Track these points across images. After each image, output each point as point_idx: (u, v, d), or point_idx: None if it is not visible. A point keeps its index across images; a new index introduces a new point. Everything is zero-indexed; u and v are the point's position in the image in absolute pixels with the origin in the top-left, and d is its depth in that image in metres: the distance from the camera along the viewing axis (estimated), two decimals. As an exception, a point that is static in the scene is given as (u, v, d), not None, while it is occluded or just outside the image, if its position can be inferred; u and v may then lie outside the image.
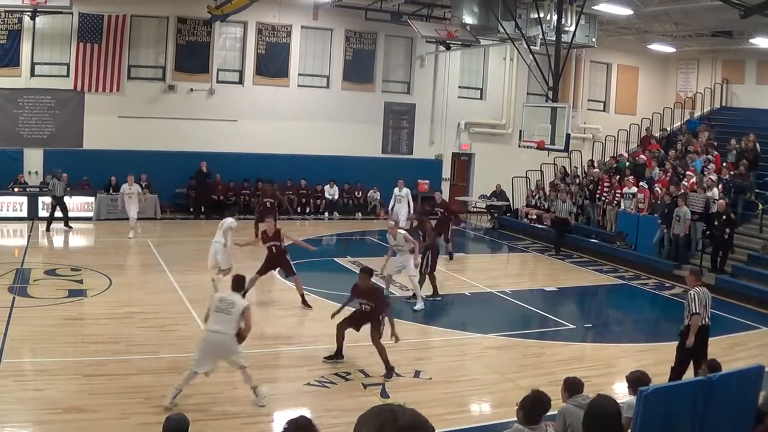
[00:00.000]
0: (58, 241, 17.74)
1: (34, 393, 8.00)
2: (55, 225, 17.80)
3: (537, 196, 22.61)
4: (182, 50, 21.26)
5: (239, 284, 8.59)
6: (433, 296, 13.39)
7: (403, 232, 13.14)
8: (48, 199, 18.23)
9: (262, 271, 12.39)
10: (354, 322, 9.59)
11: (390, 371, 9.17)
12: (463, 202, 24.78)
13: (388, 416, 2.09)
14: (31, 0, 17.53)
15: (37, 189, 19.37)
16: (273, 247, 12.31)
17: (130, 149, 20.48)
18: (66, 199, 18.06)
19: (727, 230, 15.52)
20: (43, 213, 18.94)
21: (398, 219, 17.35)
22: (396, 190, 19.07)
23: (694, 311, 8.83)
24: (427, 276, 13.23)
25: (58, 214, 17.83)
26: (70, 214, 18.40)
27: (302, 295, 12.38)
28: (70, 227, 17.97)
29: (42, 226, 18.20)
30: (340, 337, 9.57)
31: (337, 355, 9.65)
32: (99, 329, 10.45)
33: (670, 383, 6.21)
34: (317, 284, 14.07)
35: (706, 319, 9.03)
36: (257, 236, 15.00)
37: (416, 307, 12.60)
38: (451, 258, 17.06)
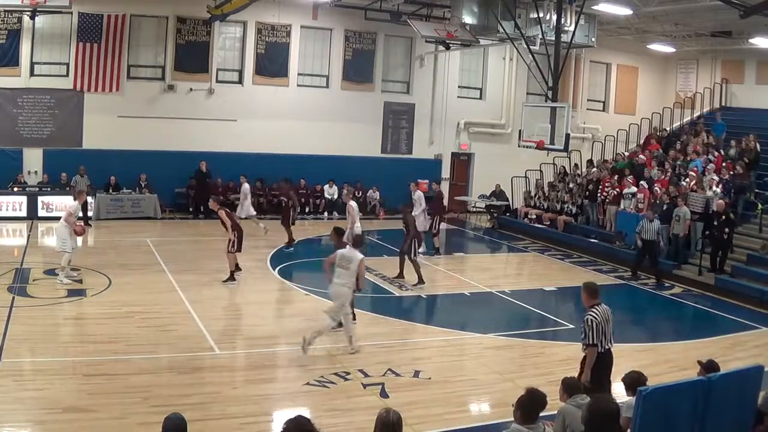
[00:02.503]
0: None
1: (33, 393, 8.00)
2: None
3: (536, 196, 22.63)
4: (182, 50, 21.26)
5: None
6: (418, 283, 14.07)
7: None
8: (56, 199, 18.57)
9: None
10: None
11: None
12: (463, 202, 24.84)
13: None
14: (31, 0, 17.52)
15: (37, 189, 19.38)
16: None
17: (130, 149, 20.50)
18: (89, 197, 18.31)
19: (727, 230, 15.52)
20: (42, 213, 18.97)
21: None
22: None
23: (591, 342, 7.22)
24: (411, 262, 14.20)
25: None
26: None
27: None
28: (90, 225, 18.06)
29: (42, 226, 18.22)
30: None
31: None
32: (98, 329, 10.45)
33: (670, 383, 6.18)
34: (317, 284, 14.08)
35: (608, 345, 7.43)
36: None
37: None
38: (438, 253, 17.52)
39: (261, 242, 17.60)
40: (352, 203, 14.82)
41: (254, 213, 18.61)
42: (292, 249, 17.22)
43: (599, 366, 7.28)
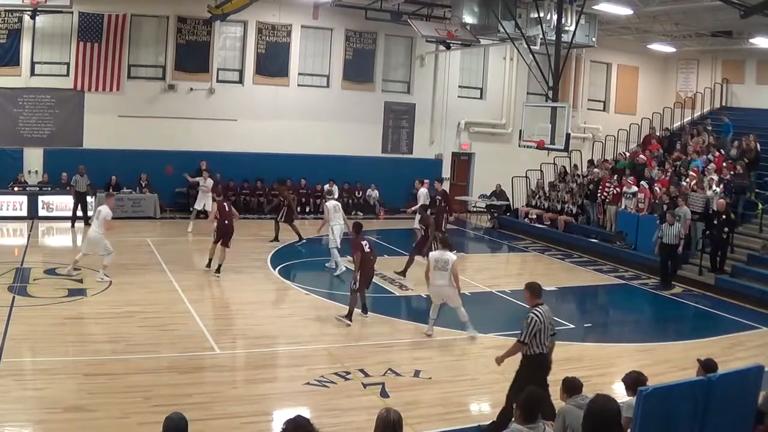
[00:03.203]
0: (60, 240, 17.76)
1: (33, 392, 8.00)
2: (78, 224, 18.21)
3: (537, 196, 22.62)
4: (182, 50, 21.26)
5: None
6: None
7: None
8: (61, 198, 18.80)
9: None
10: None
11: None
12: (463, 202, 24.82)
13: None
14: (32, 0, 17.52)
15: (37, 188, 19.38)
16: None
17: (130, 149, 20.49)
18: (88, 197, 18.53)
19: (726, 230, 15.52)
20: (43, 212, 18.98)
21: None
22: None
23: (522, 339, 7.42)
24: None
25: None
26: (71, 214, 18.47)
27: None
28: (89, 225, 18.03)
29: (42, 226, 18.23)
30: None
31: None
32: (99, 328, 10.45)
33: (670, 383, 6.18)
34: (318, 284, 14.09)
35: (543, 348, 7.48)
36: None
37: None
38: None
39: (260, 242, 17.61)
40: (327, 204, 15.21)
41: (207, 209, 18.24)
42: (303, 241, 17.51)
43: (534, 366, 7.41)
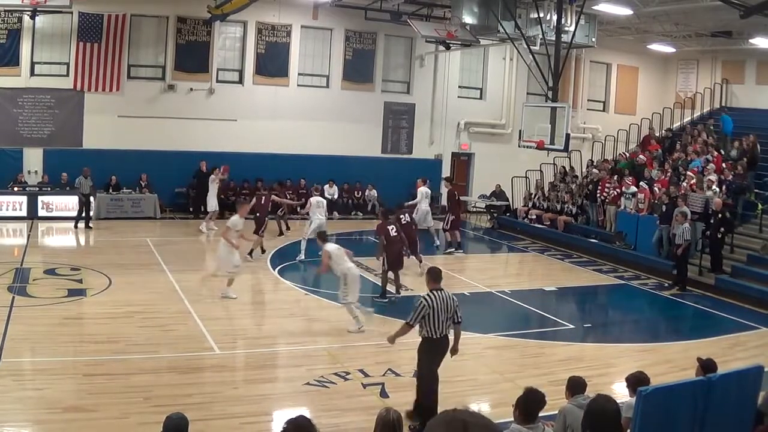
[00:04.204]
0: (59, 240, 17.76)
1: (33, 392, 8.00)
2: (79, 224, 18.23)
3: (536, 196, 22.62)
4: (182, 50, 21.25)
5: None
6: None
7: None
8: (71, 198, 18.83)
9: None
10: None
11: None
12: (463, 202, 24.81)
13: (458, 427, 1.99)
14: (31, 0, 17.52)
15: (37, 188, 19.38)
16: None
17: (130, 149, 20.49)
18: (91, 198, 18.54)
19: (722, 229, 15.51)
20: (42, 212, 18.98)
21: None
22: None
23: (408, 321, 7.57)
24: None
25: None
26: (70, 214, 18.48)
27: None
28: (91, 227, 18.10)
29: (41, 226, 18.23)
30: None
31: None
32: (98, 329, 10.45)
33: (670, 383, 6.18)
34: (317, 284, 14.08)
35: (435, 332, 7.53)
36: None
37: None
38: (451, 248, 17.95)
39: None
40: (311, 199, 16.18)
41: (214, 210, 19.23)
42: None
43: (424, 348, 7.70)
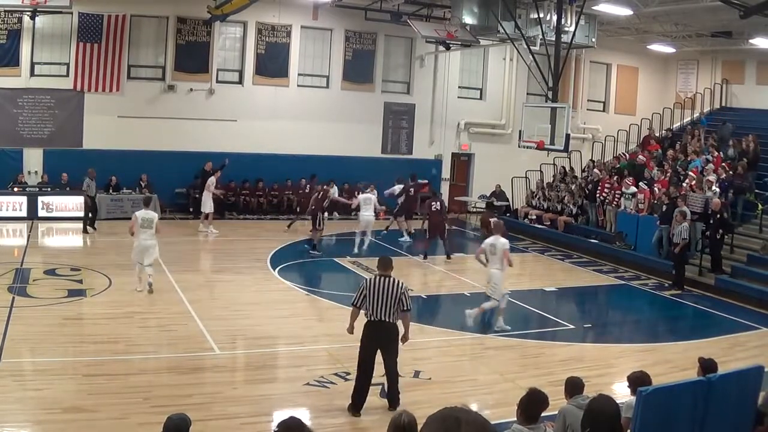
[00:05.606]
0: (60, 241, 17.76)
1: (33, 393, 7.99)
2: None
3: (536, 197, 22.62)
4: (182, 50, 21.24)
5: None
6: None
7: None
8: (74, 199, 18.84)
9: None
10: None
11: None
12: (463, 202, 24.84)
13: (452, 424, 2.02)
14: (31, 0, 17.51)
15: (37, 189, 19.37)
16: None
17: (130, 149, 20.48)
18: (96, 200, 18.56)
19: (720, 231, 15.50)
20: (42, 213, 18.96)
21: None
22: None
23: (353, 302, 8.02)
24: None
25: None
26: (70, 214, 18.50)
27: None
28: (95, 228, 18.09)
29: (41, 226, 18.23)
30: None
31: None
32: (99, 329, 10.44)
33: (670, 383, 6.18)
34: (318, 284, 14.09)
35: (380, 316, 7.76)
36: None
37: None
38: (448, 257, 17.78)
39: (260, 242, 17.61)
40: (360, 196, 17.95)
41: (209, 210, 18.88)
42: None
43: (365, 332, 7.94)
